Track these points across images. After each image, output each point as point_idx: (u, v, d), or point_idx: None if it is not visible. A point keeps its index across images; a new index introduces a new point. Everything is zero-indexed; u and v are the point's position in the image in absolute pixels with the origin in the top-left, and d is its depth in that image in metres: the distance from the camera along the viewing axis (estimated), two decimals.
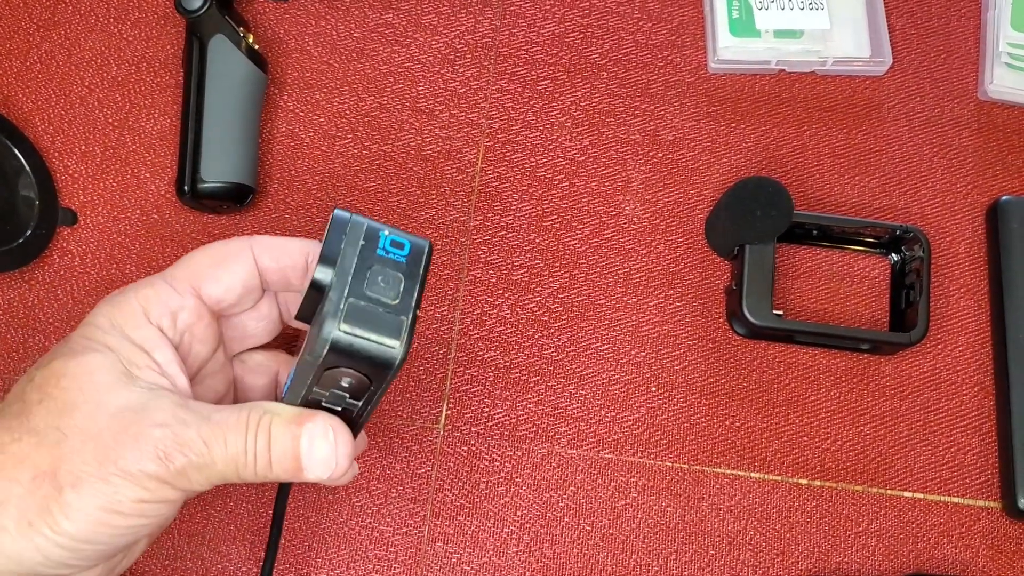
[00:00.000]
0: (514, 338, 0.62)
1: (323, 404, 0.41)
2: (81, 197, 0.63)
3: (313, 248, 0.44)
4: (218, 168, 0.60)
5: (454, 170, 0.65)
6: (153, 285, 0.43)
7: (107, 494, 0.37)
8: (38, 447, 0.37)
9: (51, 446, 0.37)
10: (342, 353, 0.37)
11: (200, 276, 0.44)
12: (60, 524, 0.37)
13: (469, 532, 0.58)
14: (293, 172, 0.65)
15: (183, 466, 0.38)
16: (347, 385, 0.39)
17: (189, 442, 0.38)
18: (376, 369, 0.38)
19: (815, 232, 0.63)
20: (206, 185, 0.60)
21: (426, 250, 0.40)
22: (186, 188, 0.60)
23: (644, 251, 0.64)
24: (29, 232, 0.60)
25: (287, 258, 0.45)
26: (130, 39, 0.66)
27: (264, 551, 0.56)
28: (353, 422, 0.42)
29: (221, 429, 0.38)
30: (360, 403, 0.41)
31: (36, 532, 0.37)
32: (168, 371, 0.41)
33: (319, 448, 0.39)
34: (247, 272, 0.44)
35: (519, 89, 0.67)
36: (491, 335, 0.62)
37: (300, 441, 0.39)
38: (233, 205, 0.62)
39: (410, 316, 0.38)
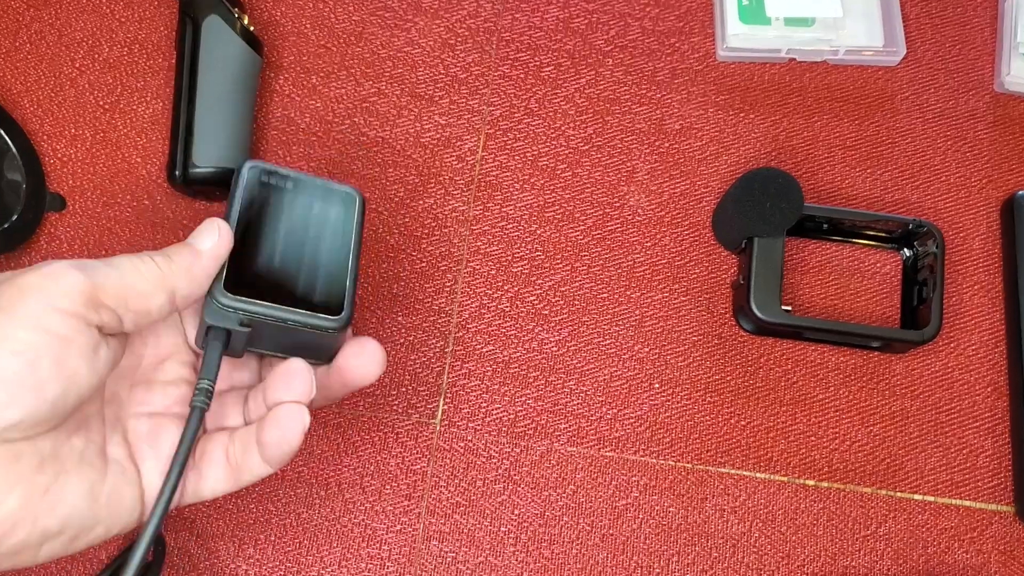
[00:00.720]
0: (513, 332, 0.60)
1: None
2: (70, 182, 0.61)
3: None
4: (210, 153, 0.58)
5: (454, 158, 0.63)
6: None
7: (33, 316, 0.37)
8: None
9: None
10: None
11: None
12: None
13: (465, 530, 0.56)
14: (288, 158, 0.63)
15: (96, 284, 0.38)
16: None
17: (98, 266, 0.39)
18: None
19: (825, 226, 0.61)
20: (198, 170, 0.58)
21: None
22: (177, 173, 0.59)
23: (649, 244, 0.63)
24: (15, 217, 0.58)
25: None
26: (122, 20, 0.65)
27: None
28: None
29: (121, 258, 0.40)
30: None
31: None
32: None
33: (203, 228, 0.43)
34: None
35: (522, 76, 0.65)
36: (490, 328, 0.60)
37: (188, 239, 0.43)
38: (225, 191, 0.60)
39: None
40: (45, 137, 0.62)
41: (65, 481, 0.38)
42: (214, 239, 0.43)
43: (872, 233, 0.62)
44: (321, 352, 0.46)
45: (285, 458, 0.43)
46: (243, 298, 0.43)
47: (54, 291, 0.37)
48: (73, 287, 0.38)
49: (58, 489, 0.38)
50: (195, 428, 0.41)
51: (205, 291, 0.43)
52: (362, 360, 0.46)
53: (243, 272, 0.44)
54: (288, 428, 0.42)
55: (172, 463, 0.40)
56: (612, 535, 0.57)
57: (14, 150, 0.59)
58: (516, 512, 0.57)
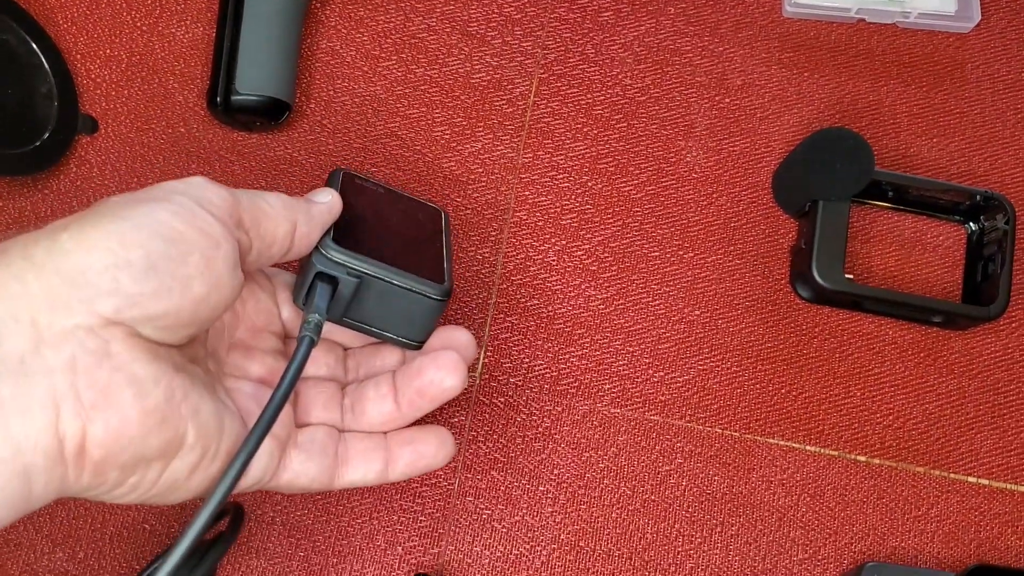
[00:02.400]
0: (559, 287, 0.58)
1: None
2: (103, 104, 0.59)
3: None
4: (254, 80, 0.56)
5: (504, 102, 0.60)
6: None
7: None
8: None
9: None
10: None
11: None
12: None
13: (502, 488, 0.54)
14: (332, 92, 0.60)
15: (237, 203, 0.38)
16: None
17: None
18: None
19: (890, 193, 0.59)
20: (240, 97, 0.55)
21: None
22: (219, 99, 0.56)
23: (704, 203, 0.60)
24: (46, 136, 0.55)
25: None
26: None
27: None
28: None
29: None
30: None
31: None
32: None
33: (319, 190, 0.44)
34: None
35: (579, 19, 0.62)
36: (535, 282, 0.58)
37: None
38: (267, 122, 0.57)
39: None
40: (79, 56, 0.59)
41: (200, 393, 0.36)
42: (328, 197, 0.43)
43: (938, 204, 0.59)
44: (416, 329, 0.45)
45: (431, 406, 0.43)
46: (352, 252, 0.42)
47: (202, 196, 0.37)
48: (219, 196, 0.37)
49: (195, 398, 0.36)
50: (303, 357, 0.39)
51: (318, 237, 0.42)
52: (440, 363, 0.43)
53: (348, 237, 0.43)
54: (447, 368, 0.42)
55: (275, 391, 0.38)
56: (654, 501, 0.55)
57: (47, 67, 0.56)
58: (555, 472, 0.55)
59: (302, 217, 0.41)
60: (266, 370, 0.43)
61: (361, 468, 0.43)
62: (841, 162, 0.55)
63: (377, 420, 0.44)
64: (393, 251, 0.44)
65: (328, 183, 0.46)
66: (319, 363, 0.46)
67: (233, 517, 0.45)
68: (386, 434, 0.44)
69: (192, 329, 0.36)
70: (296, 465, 0.42)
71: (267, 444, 0.40)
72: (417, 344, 0.45)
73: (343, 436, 0.44)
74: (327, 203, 0.43)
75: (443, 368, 0.42)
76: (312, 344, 0.39)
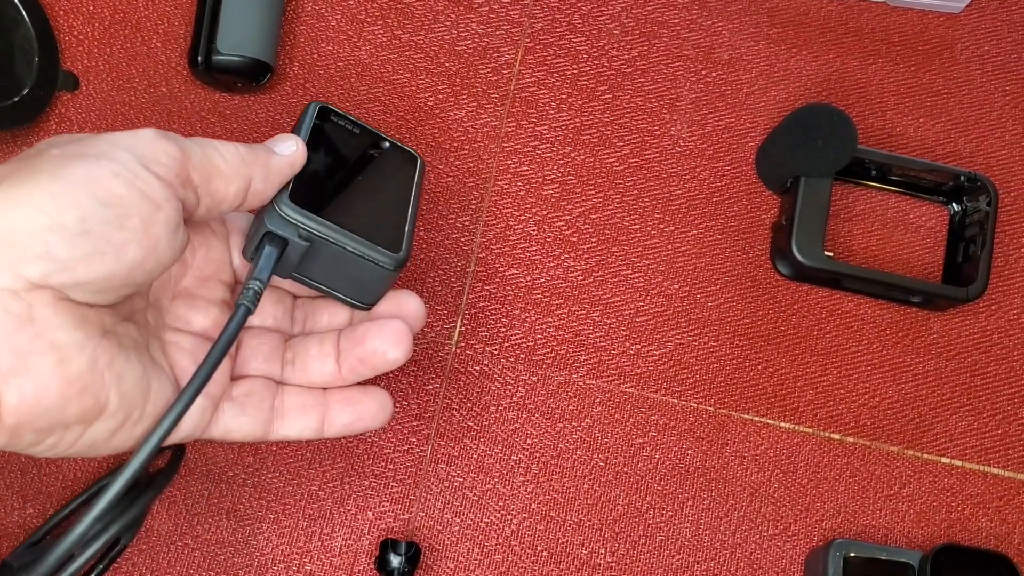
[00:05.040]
0: (538, 257, 0.58)
1: None
2: (85, 61, 0.58)
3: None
4: (236, 40, 0.55)
5: (489, 70, 0.60)
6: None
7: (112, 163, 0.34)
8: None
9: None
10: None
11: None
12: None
13: (475, 456, 0.54)
14: (315, 56, 0.59)
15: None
16: None
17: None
18: None
19: (873, 172, 0.58)
20: (222, 57, 0.55)
21: None
22: (200, 59, 0.55)
23: (687, 176, 0.60)
24: (26, 91, 0.55)
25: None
26: None
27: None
28: None
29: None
30: None
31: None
32: None
33: (281, 137, 0.41)
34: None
35: None
36: (514, 251, 0.58)
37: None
38: (248, 83, 0.57)
39: None
40: (61, 12, 0.59)
41: (126, 358, 0.35)
42: (292, 148, 0.41)
43: (921, 183, 0.59)
44: (366, 293, 0.44)
45: (372, 374, 0.43)
46: (307, 212, 0.41)
47: (149, 153, 0.35)
48: (167, 153, 0.35)
49: (120, 364, 0.35)
50: (236, 328, 0.37)
51: (275, 192, 0.40)
52: (385, 334, 0.43)
53: (306, 193, 0.42)
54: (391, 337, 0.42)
55: (208, 353, 0.37)
56: (626, 473, 0.55)
57: (27, 21, 0.56)
58: (529, 442, 0.55)
59: (259, 173, 0.39)
60: (210, 322, 0.42)
61: (298, 423, 0.43)
62: (824, 138, 0.55)
63: (318, 378, 0.43)
64: (353, 211, 0.43)
65: (301, 120, 0.44)
66: (265, 314, 0.45)
67: (172, 457, 0.45)
68: (326, 390, 0.44)
69: (126, 291, 0.35)
70: (229, 420, 0.41)
71: (199, 402, 0.39)
72: (366, 307, 0.45)
73: (281, 389, 0.43)
74: (288, 156, 0.41)
75: (387, 339, 0.42)
76: (248, 313, 0.38)
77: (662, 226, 0.59)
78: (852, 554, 0.51)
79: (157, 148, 0.35)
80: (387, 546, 0.49)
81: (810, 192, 0.55)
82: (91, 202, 0.33)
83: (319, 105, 0.45)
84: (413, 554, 0.49)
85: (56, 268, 0.32)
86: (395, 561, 0.49)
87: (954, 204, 0.59)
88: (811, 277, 0.57)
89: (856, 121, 0.60)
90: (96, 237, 0.33)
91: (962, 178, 0.57)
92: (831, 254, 0.56)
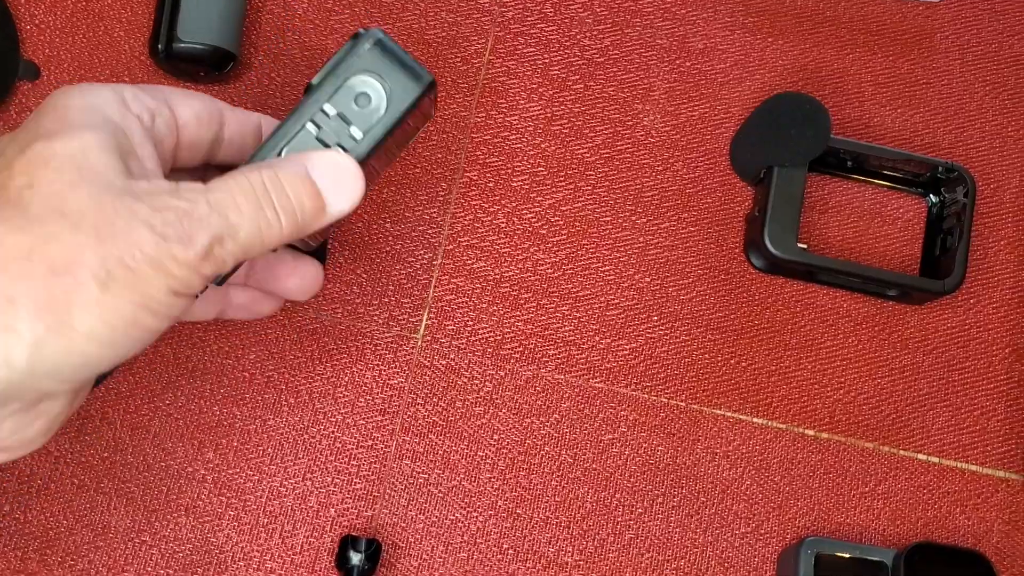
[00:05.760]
0: (507, 249, 0.57)
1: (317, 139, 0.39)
2: (46, 51, 0.57)
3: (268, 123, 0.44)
4: (197, 28, 0.54)
5: (459, 60, 0.59)
6: (123, 85, 0.38)
7: (139, 287, 0.33)
8: (45, 238, 0.32)
9: (61, 235, 0.32)
10: (383, 53, 0.39)
11: (171, 97, 0.39)
12: (86, 324, 0.32)
13: (440, 452, 0.53)
14: (282, 45, 0.58)
15: (208, 242, 0.34)
16: (358, 108, 0.40)
17: (204, 216, 0.34)
18: (405, 83, 0.40)
19: (849, 163, 0.57)
20: (182, 45, 0.54)
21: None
22: (160, 47, 0.54)
23: (660, 168, 0.59)
24: None
25: (249, 123, 0.43)
26: None
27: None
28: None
29: (230, 195, 0.35)
30: (364, 136, 0.40)
31: (55, 336, 0.32)
32: (149, 166, 0.36)
33: (334, 178, 0.38)
34: (214, 110, 0.41)
35: None
36: (482, 244, 0.56)
37: (313, 177, 0.38)
38: (211, 72, 0.56)
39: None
40: (22, 0, 0.57)
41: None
42: (352, 202, 0.39)
43: (898, 175, 0.58)
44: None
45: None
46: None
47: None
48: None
49: None
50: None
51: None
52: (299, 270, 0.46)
53: None
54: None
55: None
56: (595, 469, 0.53)
57: None
58: (495, 437, 0.54)
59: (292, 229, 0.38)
60: None
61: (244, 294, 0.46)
62: (797, 127, 0.54)
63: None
64: None
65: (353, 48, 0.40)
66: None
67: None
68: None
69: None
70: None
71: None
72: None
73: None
74: (341, 212, 0.39)
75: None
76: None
77: (634, 218, 0.58)
78: (824, 552, 0.50)
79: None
80: (347, 543, 0.48)
81: (783, 183, 0.54)
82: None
83: (377, 37, 0.41)
84: (374, 551, 0.48)
85: None
86: (355, 558, 0.48)
87: (932, 196, 0.58)
88: (785, 270, 0.56)
89: (833, 111, 0.59)
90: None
91: (940, 169, 0.56)
92: (805, 246, 0.55)
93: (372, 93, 0.40)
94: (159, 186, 0.35)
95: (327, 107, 0.40)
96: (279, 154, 0.39)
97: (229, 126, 0.41)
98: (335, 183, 0.38)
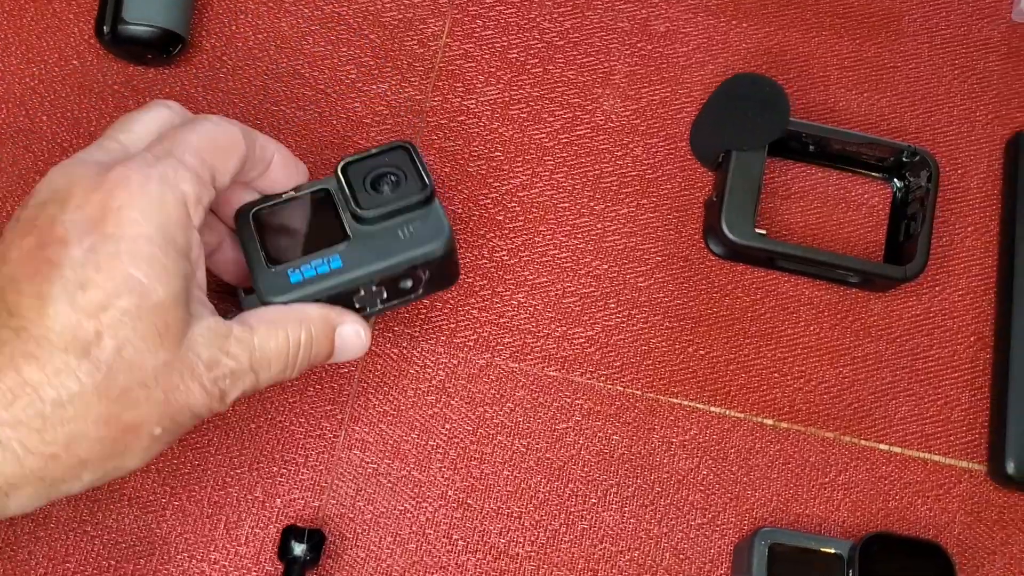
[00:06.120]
0: (462, 236, 0.55)
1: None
2: None
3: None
4: (144, 9, 0.53)
5: (415, 42, 0.58)
6: (187, 180, 0.38)
7: (177, 431, 0.38)
8: (124, 406, 0.36)
9: (137, 403, 0.36)
10: (445, 255, 0.44)
11: (214, 164, 0.40)
12: (131, 464, 0.38)
13: (390, 441, 0.52)
14: (233, 27, 0.57)
15: (235, 396, 0.40)
16: (398, 287, 0.45)
17: (243, 375, 0.39)
18: (442, 283, 0.47)
19: (812, 147, 0.56)
20: (128, 27, 0.53)
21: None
22: (106, 29, 0.53)
23: (619, 153, 0.57)
24: None
25: (267, 153, 0.44)
26: None
27: None
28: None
29: (267, 357, 0.40)
30: (389, 303, 0.46)
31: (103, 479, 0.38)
32: (202, 293, 0.40)
33: (351, 346, 0.44)
34: (243, 161, 0.42)
35: None
36: None
37: (337, 341, 0.43)
38: (159, 55, 0.55)
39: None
40: None
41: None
42: (358, 351, 0.45)
43: (862, 159, 0.57)
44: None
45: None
46: None
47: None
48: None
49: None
50: None
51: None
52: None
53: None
54: None
55: None
56: (548, 459, 0.52)
57: None
58: (447, 426, 0.52)
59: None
60: None
61: None
62: (756, 110, 0.53)
63: None
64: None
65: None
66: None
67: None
68: None
69: None
70: None
71: None
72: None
73: None
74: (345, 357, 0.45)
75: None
76: None
77: (592, 204, 0.57)
78: (778, 543, 0.49)
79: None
80: (289, 534, 0.47)
81: (741, 166, 0.53)
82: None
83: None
84: (317, 542, 0.47)
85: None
86: (297, 549, 0.47)
87: (896, 181, 0.57)
88: (744, 256, 0.55)
89: (797, 96, 0.59)
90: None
91: (904, 153, 0.55)
92: (764, 232, 0.54)
93: (414, 280, 0.45)
94: (216, 330, 0.38)
95: (377, 282, 0.44)
96: (326, 295, 0.43)
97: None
98: (351, 347, 0.44)
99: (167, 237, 0.37)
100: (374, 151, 0.45)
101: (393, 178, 0.44)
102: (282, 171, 0.44)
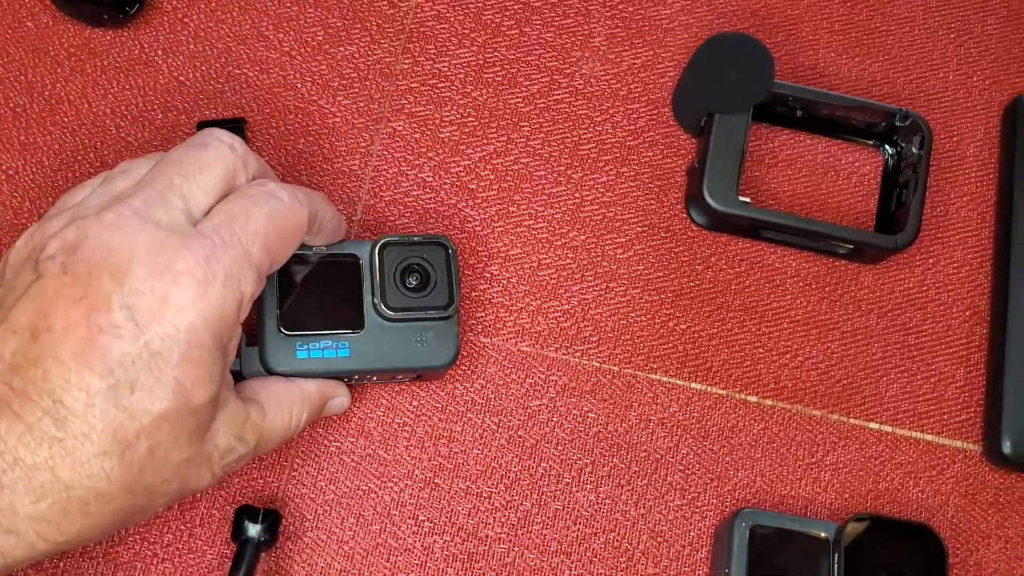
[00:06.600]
0: (433, 205, 0.53)
1: None
2: None
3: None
4: None
5: (384, 3, 0.55)
6: (249, 280, 0.38)
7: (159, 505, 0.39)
8: (142, 509, 0.38)
9: (150, 505, 0.38)
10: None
11: (277, 255, 0.40)
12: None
13: (354, 419, 0.50)
14: None
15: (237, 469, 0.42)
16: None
17: (247, 456, 0.41)
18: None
19: (799, 112, 0.54)
20: None
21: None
22: None
23: (599, 119, 0.55)
24: None
25: (324, 224, 0.44)
26: None
27: None
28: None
29: (270, 436, 0.42)
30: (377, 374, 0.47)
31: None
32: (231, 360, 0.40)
33: (335, 411, 0.47)
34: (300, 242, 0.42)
35: None
36: (406, 199, 0.53)
37: (325, 408, 0.46)
38: (115, 13, 0.52)
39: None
40: None
41: None
42: (338, 413, 0.48)
43: (852, 125, 0.54)
44: None
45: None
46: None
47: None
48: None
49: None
50: None
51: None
52: None
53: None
54: None
55: None
56: (520, 437, 0.50)
57: None
58: (415, 404, 0.50)
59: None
60: None
61: None
62: (738, 71, 0.50)
63: None
64: None
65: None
66: None
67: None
68: None
69: None
70: None
71: None
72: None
73: None
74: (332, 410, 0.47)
75: None
76: None
77: (570, 172, 0.54)
78: (760, 525, 0.46)
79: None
80: (242, 514, 0.45)
81: (724, 131, 0.50)
82: None
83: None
84: (272, 522, 0.45)
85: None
86: (252, 530, 0.44)
87: (887, 147, 0.54)
88: (727, 225, 0.52)
89: (786, 59, 0.56)
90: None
91: (896, 118, 0.52)
92: (748, 200, 0.51)
93: (411, 376, 0.48)
94: (236, 417, 0.39)
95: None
96: (327, 376, 0.45)
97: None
98: (334, 411, 0.47)
99: (217, 342, 0.36)
100: (416, 239, 0.45)
101: (423, 275, 0.45)
102: (328, 234, 0.44)
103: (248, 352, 0.43)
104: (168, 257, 0.35)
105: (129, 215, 0.36)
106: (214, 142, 0.39)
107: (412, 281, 0.44)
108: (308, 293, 0.44)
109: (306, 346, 0.43)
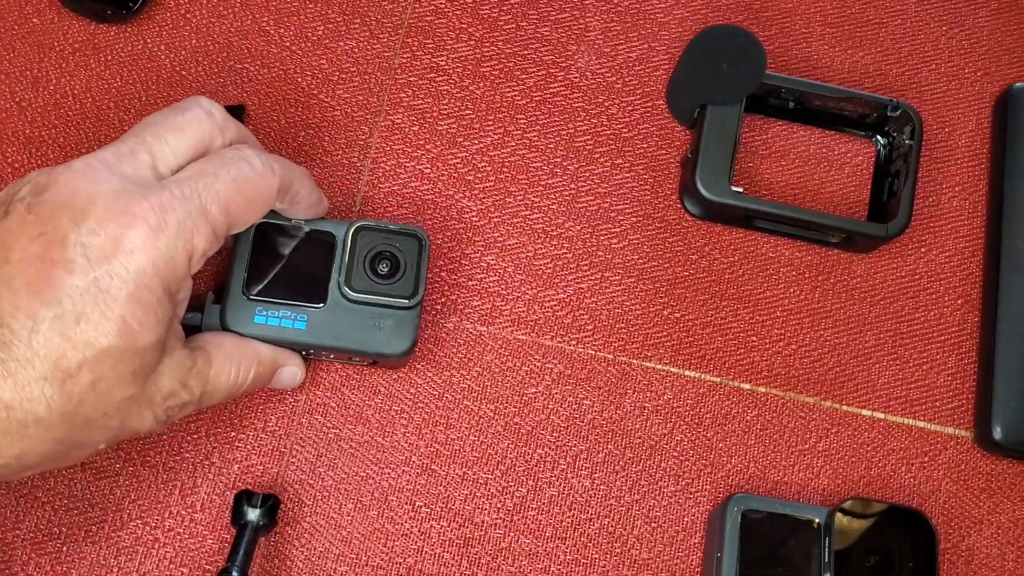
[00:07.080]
0: (431, 197, 0.54)
1: None
2: None
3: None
4: None
5: None
6: (203, 236, 0.39)
7: (101, 450, 0.40)
8: (82, 444, 0.39)
9: (92, 437, 0.39)
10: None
11: (237, 218, 0.41)
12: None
13: (353, 406, 0.50)
14: None
15: (175, 420, 0.42)
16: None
17: (190, 404, 0.41)
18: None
19: (791, 104, 0.54)
20: None
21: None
22: None
23: (594, 111, 0.56)
24: None
25: (300, 196, 0.45)
26: None
27: None
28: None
29: (218, 389, 0.43)
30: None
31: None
32: (180, 312, 0.41)
33: (286, 382, 0.47)
34: (267, 211, 0.43)
35: None
36: (405, 190, 0.54)
37: (275, 378, 0.46)
38: (118, 10, 0.53)
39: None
40: None
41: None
42: (290, 387, 0.48)
43: (844, 116, 0.55)
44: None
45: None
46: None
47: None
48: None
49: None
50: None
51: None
52: None
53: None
54: None
55: None
56: (516, 424, 0.51)
57: None
58: (412, 391, 0.51)
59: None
60: None
61: None
62: (730, 62, 0.51)
63: None
64: None
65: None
66: None
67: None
68: None
69: None
70: None
71: None
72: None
73: None
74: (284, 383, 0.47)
75: None
76: None
77: (565, 164, 0.55)
78: (752, 510, 0.47)
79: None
80: (242, 498, 0.46)
81: (716, 121, 0.51)
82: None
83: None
84: (271, 506, 0.46)
85: None
86: (251, 514, 0.45)
87: (879, 138, 0.55)
88: (720, 215, 0.53)
89: (779, 52, 0.57)
90: None
91: (887, 108, 0.53)
92: (740, 189, 0.52)
93: (366, 360, 0.48)
94: (182, 364, 0.40)
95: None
96: (280, 344, 0.46)
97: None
98: (285, 383, 0.47)
99: (166, 288, 0.38)
100: (392, 227, 0.46)
101: (393, 263, 0.45)
102: (304, 208, 0.45)
103: (211, 309, 0.45)
104: (126, 203, 0.37)
105: (98, 165, 0.38)
106: (193, 107, 0.41)
107: (383, 268, 0.45)
108: (279, 263, 0.45)
109: (265, 312, 0.44)
